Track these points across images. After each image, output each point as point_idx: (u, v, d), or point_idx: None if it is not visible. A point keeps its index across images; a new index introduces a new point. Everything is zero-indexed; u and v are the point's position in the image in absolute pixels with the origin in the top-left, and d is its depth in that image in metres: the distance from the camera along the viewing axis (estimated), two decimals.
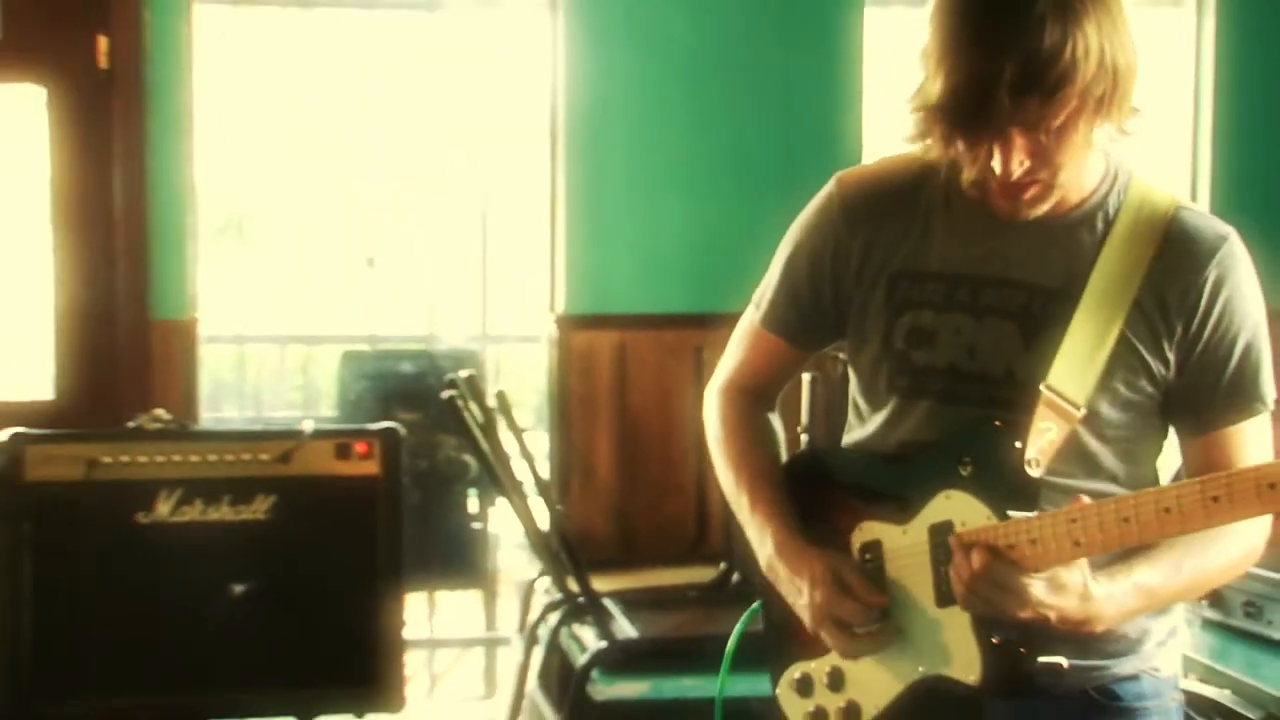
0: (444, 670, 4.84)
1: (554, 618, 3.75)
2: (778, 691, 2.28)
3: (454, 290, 4.96)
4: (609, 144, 4.29)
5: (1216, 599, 3.46)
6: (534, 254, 4.59)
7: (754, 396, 2.38)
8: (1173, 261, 2.11)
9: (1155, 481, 2.19)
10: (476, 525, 4.58)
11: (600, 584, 3.71)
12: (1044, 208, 2.06)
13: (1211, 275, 2.08)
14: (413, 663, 4.55)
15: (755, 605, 2.46)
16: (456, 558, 4.65)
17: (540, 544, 3.81)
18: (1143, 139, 2.79)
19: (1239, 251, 2.12)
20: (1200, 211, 2.14)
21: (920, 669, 2.15)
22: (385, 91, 4.87)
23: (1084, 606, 1.98)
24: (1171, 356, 2.10)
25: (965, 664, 2.08)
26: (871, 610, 2.16)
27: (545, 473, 4.29)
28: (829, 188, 2.24)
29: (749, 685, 2.35)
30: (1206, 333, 2.09)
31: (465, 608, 4.80)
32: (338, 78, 4.87)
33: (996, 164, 1.97)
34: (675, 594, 3.78)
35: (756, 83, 3.94)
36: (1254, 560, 2.17)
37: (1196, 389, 2.11)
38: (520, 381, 4.82)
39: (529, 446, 3.97)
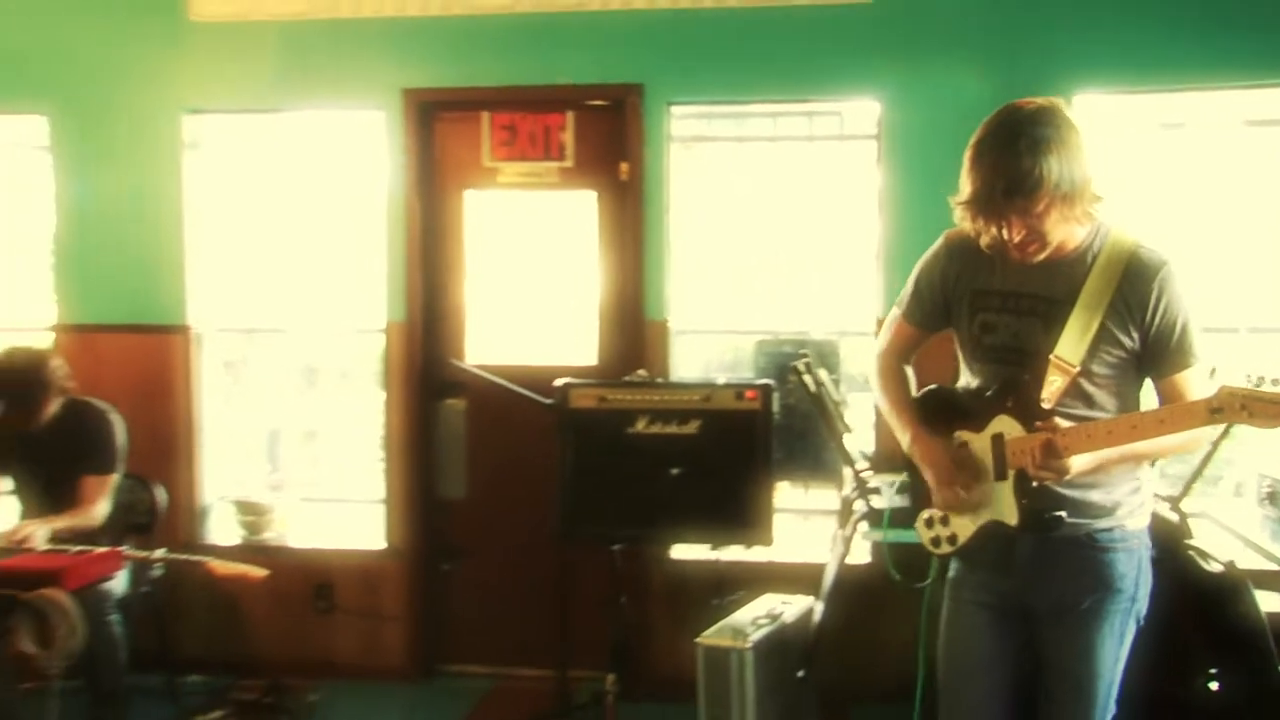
0: (813, 527, 5.19)
1: (854, 496, 4.31)
2: (916, 525, 2.83)
3: (821, 303, 5.23)
4: (908, 224, 4.73)
5: (1275, 500, 4.05)
6: (869, 283, 4.95)
7: (898, 358, 2.89)
8: (1132, 279, 2.50)
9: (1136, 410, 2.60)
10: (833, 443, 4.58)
11: (891, 478, 4.02)
12: (1042, 257, 2.49)
13: (1155, 288, 2.49)
14: (792, 523, 5.07)
15: (903, 476, 3.10)
16: (821, 462, 4.93)
17: (842, 454, 4.39)
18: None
19: (1174, 272, 2.51)
20: (1151, 248, 2.53)
21: (986, 516, 2.65)
22: (780, 186, 5.22)
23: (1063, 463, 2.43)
24: (1136, 335, 2.52)
25: (1009, 513, 2.59)
26: (967, 476, 2.65)
27: (872, 415, 4.61)
28: (940, 240, 2.74)
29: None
30: (1156, 321, 2.51)
31: (827, 492, 5.08)
32: (754, 180, 5.26)
33: (1005, 235, 2.44)
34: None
35: None
36: (1180, 451, 2.65)
37: (1154, 354, 2.54)
38: (859, 360, 4.89)
39: (836, 393, 4.44)
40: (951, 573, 2.82)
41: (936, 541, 2.77)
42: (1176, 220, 4.67)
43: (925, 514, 2.78)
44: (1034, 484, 2.53)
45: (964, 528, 2.70)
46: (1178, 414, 2.38)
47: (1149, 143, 4.79)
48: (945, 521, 2.74)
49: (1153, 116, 4.78)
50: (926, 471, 2.71)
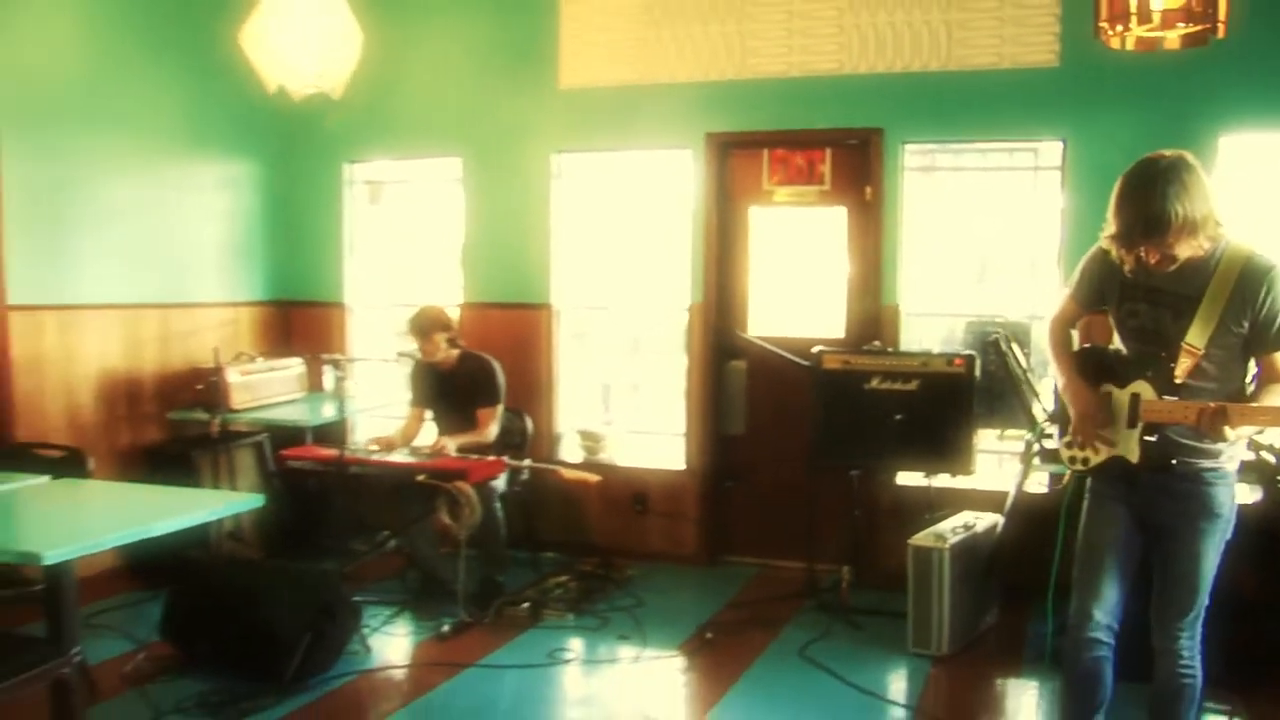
0: (1007, 464, 5.51)
1: (1032, 440, 4.67)
2: (1060, 444, 3.06)
3: (1017, 294, 5.60)
4: (1081, 234, 4.84)
5: None
6: (1053, 279, 5.23)
7: (1065, 325, 3.08)
8: (1246, 282, 2.68)
9: (1244, 385, 2.80)
10: (1019, 400, 4.85)
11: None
12: (1172, 269, 2.70)
13: (1264, 288, 2.68)
14: (990, 461, 5.54)
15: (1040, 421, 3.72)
16: (1014, 415, 5.06)
17: (1025, 409, 4.77)
18: None
19: None
20: (1263, 255, 2.68)
21: (1113, 451, 2.89)
22: (986, 204, 5.58)
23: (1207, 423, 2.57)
24: (1246, 324, 2.70)
25: (1132, 452, 2.83)
26: (1104, 417, 2.85)
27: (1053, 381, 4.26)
28: (1099, 243, 2.83)
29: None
30: (1263, 314, 2.69)
31: (1018, 438, 5.08)
32: (967, 199, 5.64)
33: (1144, 258, 2.67)
34: None
35: None
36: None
37: (1259, 337, 2.72)
38: (1044, 337, 3.93)
39: (1025, 362, 4.83)
40: (1092, 482, 3.02)
41: (1073, 461, 3.00)
42: None
43: (1067, 438, 3.02)
44: (1154, 437, 2.74)
45: (1094, 457, 2.95)
46: None
47: None
48: (1084, 446, 2.95)
49: None
50: (1073, 409, 2.93)
